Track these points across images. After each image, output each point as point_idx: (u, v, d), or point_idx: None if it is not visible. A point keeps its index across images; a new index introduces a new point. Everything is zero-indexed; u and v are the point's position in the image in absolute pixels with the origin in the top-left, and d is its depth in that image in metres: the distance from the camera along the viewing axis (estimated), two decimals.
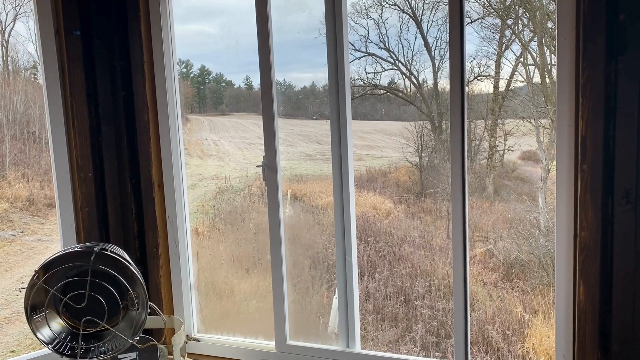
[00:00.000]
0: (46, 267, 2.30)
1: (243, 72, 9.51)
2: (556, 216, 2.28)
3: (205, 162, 9.22)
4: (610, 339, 2.20)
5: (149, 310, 2.34)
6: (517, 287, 7.24)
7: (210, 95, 9.73)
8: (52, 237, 8.09)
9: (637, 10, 2.06)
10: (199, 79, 9.51)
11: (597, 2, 2.09)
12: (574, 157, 2.22)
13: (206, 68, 9.30)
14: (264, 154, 2.73)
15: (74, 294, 2.31)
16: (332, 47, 2.60)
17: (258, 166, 2.74)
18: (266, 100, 2.71)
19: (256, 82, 9.88)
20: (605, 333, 2.21)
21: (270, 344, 2.92)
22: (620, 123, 2.11)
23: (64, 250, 2.37)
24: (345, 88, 2.59)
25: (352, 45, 8.19)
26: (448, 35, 2.37)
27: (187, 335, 3.02)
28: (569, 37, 2.19)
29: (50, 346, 2.34)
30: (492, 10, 8.01)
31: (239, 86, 9.97)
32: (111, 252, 2.34)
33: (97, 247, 2.31)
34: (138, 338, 2.40)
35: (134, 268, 2.32)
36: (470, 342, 7.16)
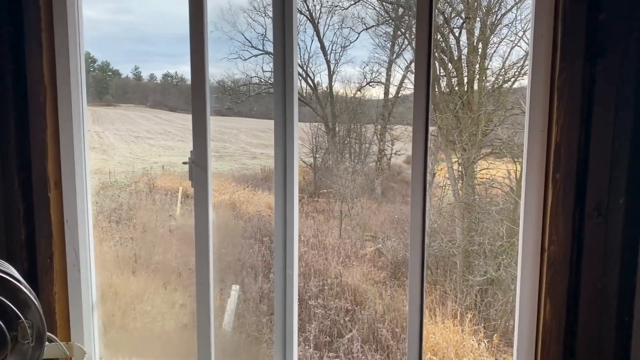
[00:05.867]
0: None
1: (132, 62, 8.70)
2: (523, 229, 2.00)
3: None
4: None
5: (46, 343, 1.74)
6: (404, 285, 7.20)
7: (94, 85, 8.77)
8: None
9: (618, 11, 1.83)
10: None
11: None
12: (545, 165, 1.96)
13: (91, 55, 8.35)
14: (191, 149, 2.21)
15: None
16: (280, 45, 2.17)
17: (184, 163, 2.21)
18: (197, 95, 2.19)
19: (145, 73, 9.06)
20: (571, 354, 1.97)
21: None
22: (596, 130, 1.88)
23: None
24: (293, 87, 2.17)
25: (250, 42, 7.72)
26: (414, 37, 2.01)
27: None
28: (546, 34, 1.91)
29: None
30: (388, 18, 7.91)
31: (127, 76, 9.10)
32: None
33: None
34: None
35: (27, 290, 1.71)
36: (362, 341, 6.92)
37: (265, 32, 7.70)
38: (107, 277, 6.33)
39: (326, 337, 6.35)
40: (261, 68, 7.84)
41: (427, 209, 2.07)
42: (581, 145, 1.89)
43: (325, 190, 8.10)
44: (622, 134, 1.86)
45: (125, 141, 8.82)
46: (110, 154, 8.45)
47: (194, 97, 2.20)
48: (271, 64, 7.82)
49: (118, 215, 7.45)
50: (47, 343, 1.79)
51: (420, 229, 2.09)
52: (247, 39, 7.58)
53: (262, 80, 7.81)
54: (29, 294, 1.71)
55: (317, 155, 8.23)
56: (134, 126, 9.09)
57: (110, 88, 9.16)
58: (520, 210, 2.02)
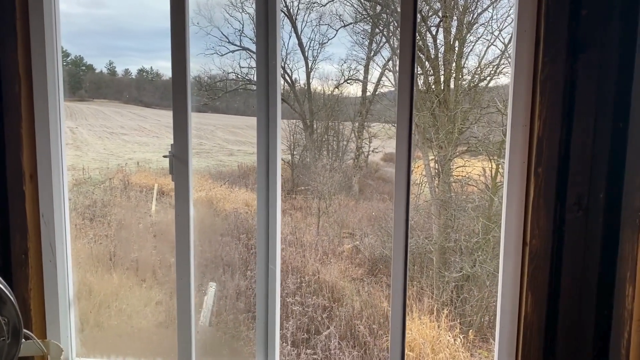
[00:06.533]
0: None
1: (106, 57, 8.52)
2: (505, 223, 2.01)
3: None
4: (555, 353, 1.99)
5: (23, 340, 1.69)
6: (382, 281, 7.21)
7: (68, 79, 8.57)
8: None
9: (598, 7, 1.85)
10: None
11: None
12: (527, 160, 1.97)
13: (64, 49, 8.16)
14: (171, 143, 2.17)
15: None
16: (263, 42, 2.14)
17: (165, 156, 2.17)
18: (178, 88, 2.16)
19: (120, 68, 8.89)
20: (551, 347, 1.99)
21: None
22: (578, 125, 1.89)
23: None
24: (275, 84, 2.15)
25: (227, 38, 7.62)
26: (399, 34, 2.00)
27: None
28: (529, 29, 1.92)
29: None
30: (366, 15, 7.90)
31: (101, 71, 8.91)
32: None
33: None
34: None
35: (3, 286, 1.65)
36: (339, 337, 6.89)
37: (243, 27, 7.62)
38: (81, 275, 6.22)
39: (304, 334, 6.33)
40: (238, 64, 7.75)
41: (409, 207, 2.08)
42: (563, 140, 1.91)
43: (302, 188, 8.07)
44: (603, 128, 1.88)
45: (99, 137, 8.65)
46: (84, 150, 8.29)
47: (174, 90, 2.16)
48: (248, 60, 7.75)
49: (92, 212, 7.31)
50: (23, 340, 1.73)
51: (404, 226, 2.09)
52: (224, 35, 7.49)
53: (239, 77, 7.73)
54: (5, 290, 1.66)
55: (295, 153, 8.19)
56: (108, 122, 8.92)
57: (83, 83, 8.96)
58: (503, 204, 2.03)
